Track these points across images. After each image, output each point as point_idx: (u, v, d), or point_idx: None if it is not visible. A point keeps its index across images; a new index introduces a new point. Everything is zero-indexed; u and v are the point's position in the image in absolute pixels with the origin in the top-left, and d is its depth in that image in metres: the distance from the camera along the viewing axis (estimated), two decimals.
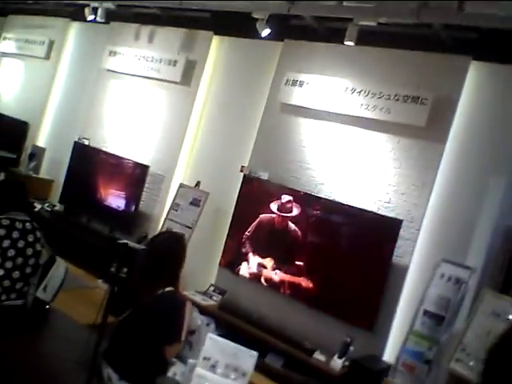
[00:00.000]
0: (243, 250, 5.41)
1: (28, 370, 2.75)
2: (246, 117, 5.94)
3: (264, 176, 5.48)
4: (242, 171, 5.53)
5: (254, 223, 5.37)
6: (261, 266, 5.28)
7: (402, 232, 4.55)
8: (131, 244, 2.73)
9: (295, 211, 5.11)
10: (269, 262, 5.24)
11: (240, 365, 2.44)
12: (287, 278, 5.09)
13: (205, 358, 2.43)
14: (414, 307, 4.43)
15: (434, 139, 4.62)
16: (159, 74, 6.58)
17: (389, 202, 4.78)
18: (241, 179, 5.57)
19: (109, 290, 2.62)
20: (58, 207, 7.24)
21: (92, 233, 6.58)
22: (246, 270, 5.38)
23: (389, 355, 4.58)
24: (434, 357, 4.17)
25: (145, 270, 2.79)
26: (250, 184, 5.50)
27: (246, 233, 5.38)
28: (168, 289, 2.76)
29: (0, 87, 8.85)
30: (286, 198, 5.17)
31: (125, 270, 2.54)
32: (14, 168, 7.60)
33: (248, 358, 2.46)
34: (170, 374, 2.72)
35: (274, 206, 5.24)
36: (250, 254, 5.37)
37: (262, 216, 5.34)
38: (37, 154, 7.62)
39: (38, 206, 7.05)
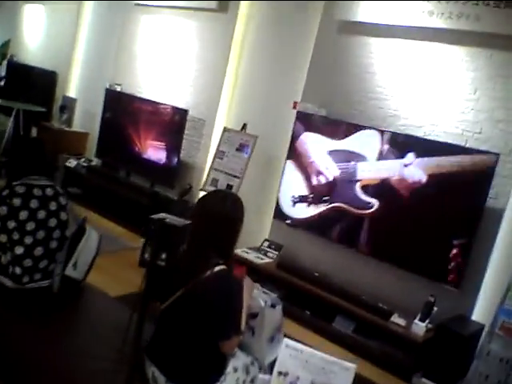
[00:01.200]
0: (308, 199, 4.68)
1: (54, 370, 2.15)
2: (295, 43, 5.06)
3: (321, 112, 4.65)
4: (294, 108, 4.72)
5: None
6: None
7: (497, 168, 3.68)
8: (170, 219, 2.01)
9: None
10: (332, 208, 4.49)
11: (331, 383, 1.72)
12: (356, 226, 4.34)
13: (280, 374, 1.77)
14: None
15: None
16: (193, 2, 5.74)
17: (480, 133, 3.88)
18: (294, 118, 4.76)
19: (144, 282, 1.95)
20: (95, 162, 6.68)
21: (132, 188, 5.99)
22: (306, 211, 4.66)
23: (480, 316, 3.82)
24: None
25: (194, 239, 2.11)
26: (305, 122, 4.70)
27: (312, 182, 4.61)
28: (219, 267, 2.07)
29: (25, 36, 8.25)
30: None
31: (163, 255, 1.86)
32: (46, 122, 7.05)
33: (342, 372, 1.73)
34: (229, 369, 2.08)
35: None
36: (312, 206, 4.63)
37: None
38: (68, 105, 7.03)
39: (73, 162, 6.53)
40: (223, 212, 2.15)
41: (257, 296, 2.32)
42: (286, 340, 1.94)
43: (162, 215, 2.06)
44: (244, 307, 2.13)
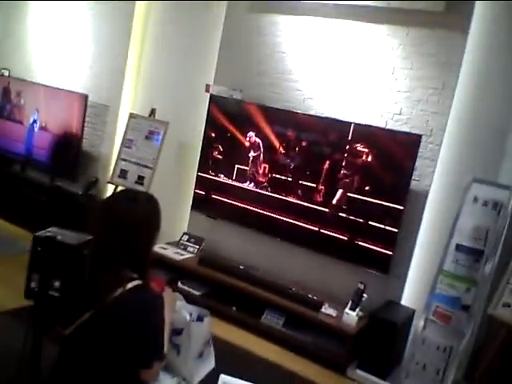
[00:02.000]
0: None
1: None
2: (205, 21, 4.70)
3: (236, 95, 4.37)
4: (207, 91, 4.39)
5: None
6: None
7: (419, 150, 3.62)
8: (62, 236, 1.49)
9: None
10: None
11: None
12: (283, 217, 4.15)
13: None
14: (440, 242, 3.59)
15: (455, 27, 3.59)
16: None
17: (400, 114, 3.80)
18: (207, 102, 4.43)
19: (32, 318, 1.53)
20: None
21: (28, 183, 5.36)
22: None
23: (409, 302, 3.80)
24: (473, 301, 3.38)
25: (99, 252, 1.73)
26: (219, 107, 4.39)
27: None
28: (134, 283, 1.73)
29: None
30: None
31: (57, 284, 1.43)
32: None
33: None
34: None
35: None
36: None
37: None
38: None
39: None
40: (134, 216, 1.79)
41: (181, 309, 2.01)
42: (223, 377, 1.66)
43: (51, 230, 1.55)
44: (166, 325, 1.81)
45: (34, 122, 5.43)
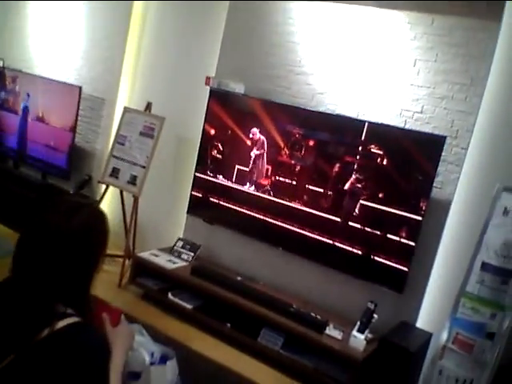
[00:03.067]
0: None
1: None
2: (207, 8, 4.31)
3: (239, 89, 3.96)
4: (207, 84, 4.00)
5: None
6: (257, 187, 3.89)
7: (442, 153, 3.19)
8: None
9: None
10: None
11: None
12: (286, 225, 3.73)
13: None
14: (463, 259, 3.15)
15: (486, 15, 3.15)
16: None
17: (421, 112, 3.36)
18: (207, 96, 4.04)
19: None
20: None
21: (21, 181, 5.03)
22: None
23: (425, 323, 3.36)
24: (498, 329, 2.93)
25: (21, 279, 1.33)
26: (220, 101, 3.99)
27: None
28: (68, 320, 1.32)
29: None
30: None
31: None
32: None
33: None
34: None
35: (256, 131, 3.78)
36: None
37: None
38: None
39: None
40: (69, 234, 1.39)
41: (140, 347, 1.60)
42: None
43: None
44: (117, 367, 1.41)
45: (26, 108, 5.08)
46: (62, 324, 1.29)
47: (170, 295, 3.70)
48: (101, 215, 1.50)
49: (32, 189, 4.79)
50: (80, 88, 4.65)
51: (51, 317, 1.30)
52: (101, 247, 1.48)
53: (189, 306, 3.64)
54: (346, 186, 3.48)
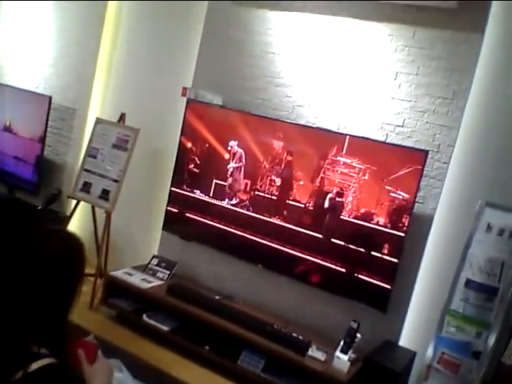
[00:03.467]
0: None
1: None
2: (184, 16, 4.19)
3: (216, 100, 3.85)
4: (184, 95, 3.87)
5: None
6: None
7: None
8: None
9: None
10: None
11: None
12: (266, 241, 3.62)
13: None
14: (446, 276, 3.09)
15: (468, 27, 3.11)
16: None
17: (402, 126, 3.30)
18: (183, 107, 3.91)
19: None
20: None
21: None
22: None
23: (408, 342, 3.28)
24: (484, 347, 2.87)
25: None
26: (197, 113, 3.87)
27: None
28: (42, 362, 1.19)
29: None
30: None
31: None
32: None
33: None
34: None
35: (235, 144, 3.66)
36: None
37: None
38: None
39: None
40: (42, 264, 1.26)
41: None
42: None
43: None
44: None
45: None
46: (35, 366, 1.17)
47: (144, 317, 3.54)
48: (76, 241, 1.38)
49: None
50: (50, 98, 4.46)
51: (24, 359, 1.18)
52: (77, 277, 1.36)
53: (165, 328, 3.48)
54: (327, 201, 3.39)
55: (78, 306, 3.87)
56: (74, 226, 4.68)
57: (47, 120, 4.47)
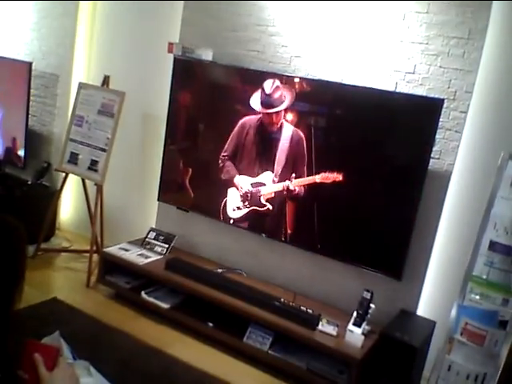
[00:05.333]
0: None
1: None
2: None
3: (206, 55, 3.49)
4: (170, 52, 3.51)
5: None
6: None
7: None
8: None
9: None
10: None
11: None
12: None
13: None
14: (468, 237, 2.80)
15: None
16: None
17: (413, 72, 2.94)
18: (171, 65, 3.57)
19: None
20: None
21: None
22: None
23: (427, 311, 3.03)
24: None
25: None
26: (186, 71, 3.52)
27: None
28: None
29: None
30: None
31: None
32: None
33: None
34: None
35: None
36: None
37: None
38: None
39: None
40: None
41: None
42: None
43: None
44: None
45: None
46: None
47: (143, 294, 3.33)
48: (13, 230, 1.13)
49: None
50: (30, 64, 4.11)
51: None
52: (15, 273, 1.12)
53: (165, 306, 3.27)
54: (333, 158, 3.08)
55: (74, 283, 3.68)
56: (66, 201, 4.45)
57: (29, 88, 4.14)
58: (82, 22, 4.20)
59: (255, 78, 3.24)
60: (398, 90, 2.97)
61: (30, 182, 4.25)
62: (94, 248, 3.73)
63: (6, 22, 4.62)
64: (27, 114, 4.19)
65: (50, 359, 1.22)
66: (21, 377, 1.14)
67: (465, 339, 2.66)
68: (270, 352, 2.96)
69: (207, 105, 3.47)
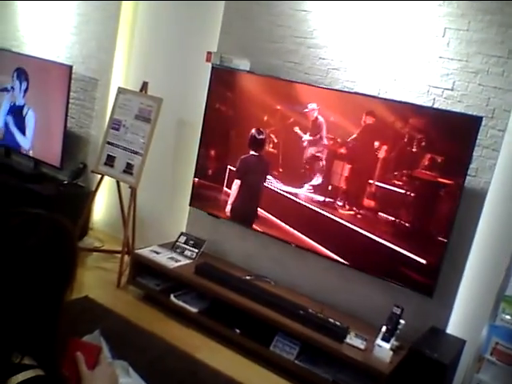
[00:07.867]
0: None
1: None
2: None
3: (244, 65, 3.55)
4: (208, 61, 3.57)
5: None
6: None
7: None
8: None
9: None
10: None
11: None
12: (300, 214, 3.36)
13: None
14: (501, 256, 2.78)
15: None
16: None
17: (452, 89, 2.93)
18: (209, 73, 3.63)
19: None
20: None
21: (12, 170, 4.66)
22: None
23: (457, 330, 3.00)
24: None
25: None
26: (223, 80, 3.58)
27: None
28: (25, 375, 0.99)
29: None
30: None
31: None
32: None
33: None
34: None
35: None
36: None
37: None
38: None
39: None
40: (24, 257, 1.04)
41: None
42: None
43: None
44: None
45: (5, 89, 4.71)
46: (15, 381, 0.97)
47: (172, 297, 3.38)
48: (64, 229, 1.15)
49: (24, 178, 4.43)
50: (71, 67, 4.24)
51: (5, 371, 0.98)
52: (67, 272, 1.14)
53: (193, 310, 3.31)
54: (368, 173, 3.08)
55: (105, 284, 3.75)
56: (100, 202, 4.54)
57: (69, 91, 4.25)
58: (123, 28, 4.30)
59: (288, 90, 3.28)
60: (435, 106, 2.96)
61: (66, 182, 4.36)
62: (126, 249, 3.80)
63: (48, 25, 4.76)
64: (66, 115, 4.31)
65: (91, 358, 1.25)
66: (64, 375, 1.17)
67: (494, 359, 2.64)
68: (296, 362, 2.97)
69: (242, 114, 3.52)
